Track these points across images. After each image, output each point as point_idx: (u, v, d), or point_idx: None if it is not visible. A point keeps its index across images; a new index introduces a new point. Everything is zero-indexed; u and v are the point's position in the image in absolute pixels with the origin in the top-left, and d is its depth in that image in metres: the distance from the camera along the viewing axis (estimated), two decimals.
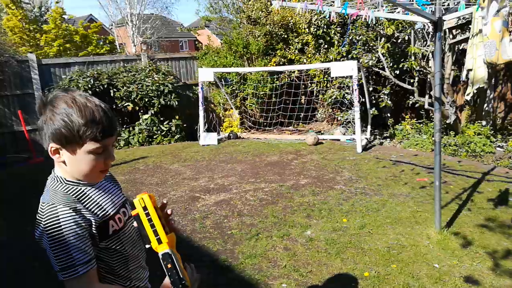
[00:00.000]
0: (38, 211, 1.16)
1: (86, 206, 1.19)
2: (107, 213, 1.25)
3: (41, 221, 1.13)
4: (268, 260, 3.37)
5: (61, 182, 1.21)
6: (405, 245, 3.50)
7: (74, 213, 1.13)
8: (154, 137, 8.75)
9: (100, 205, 1.24)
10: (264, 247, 3.59)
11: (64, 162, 1.20)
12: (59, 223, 1.10)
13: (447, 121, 7.32)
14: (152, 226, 1.15)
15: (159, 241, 1.15)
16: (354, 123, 7.70)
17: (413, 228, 3.85)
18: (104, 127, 1.15)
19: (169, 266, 1.13)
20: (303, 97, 9.74)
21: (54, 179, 1.22)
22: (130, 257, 1.31)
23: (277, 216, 4.30)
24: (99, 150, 1.17)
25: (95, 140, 1.15)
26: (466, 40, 6.70)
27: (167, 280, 1.16)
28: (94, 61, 9.07)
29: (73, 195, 1.19)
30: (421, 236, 3.67)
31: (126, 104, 8.52)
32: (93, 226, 1.18)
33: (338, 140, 8.19)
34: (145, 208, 1.16)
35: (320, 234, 3.81)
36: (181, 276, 1.13)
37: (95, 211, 1.20)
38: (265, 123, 9.78)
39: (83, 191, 1.22)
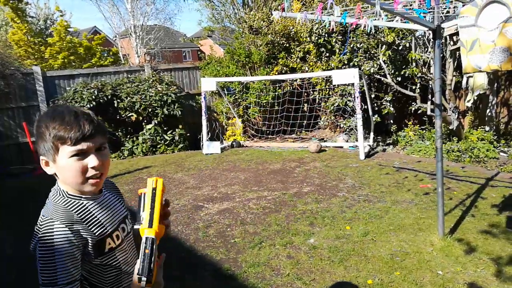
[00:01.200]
0: (37, 223, 1.16)
1: (86, 223, 1.18)
2: (106, 231, 1.23)
3: (38, 233, 1.13)
4: (271, 269, 3.37)
5: (63, 196, 1.21)
6: (409, 252, 3.50)
7: (69, 232, 1.12)
8: (158, 146, 8.80)
9: (100, 221, 1.23)
10: (267, 256, 3.60)
11: (56, 174, 1.22)
12: (52, 239, 1.10)
13: (450, 127, 7.32)
14: (152, 208, 1.16)
15: (150, 225, 1.14)
16: (356, 130, 7.72)
17: (417, 235, 3.84)
18: (74, 130, 1.15)
19: (146, 251, 1.11)
20: (305, 105, 9.78)
21: (56, 191, 1.22)
22: (124, 274, 1.30)
23: (280, 224, 4.31)
24: (73, 154, 1.16)
25: (67, 143, 1.15)
26: None
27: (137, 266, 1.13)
28: (98, 73, 9.18)
29: (74, 210, 1.19)
30: (425, 243, 3.66)
31: (130, 114, 8.59)
32: (89, 244, 1.17)
33: (341, 147, 8.20)
34: (154, 190, 1.17)
35: (323, 242, 3.81)
36: (151, 268, 1.10)
37: (93, 229, 1.20)
38: (268, 131, 9.82)
39: (85, 205, 1.22)
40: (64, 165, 1.17)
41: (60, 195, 1.21)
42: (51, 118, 1.17)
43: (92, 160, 1.18)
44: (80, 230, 1.16)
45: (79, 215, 1.18)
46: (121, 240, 1.30)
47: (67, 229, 1.12)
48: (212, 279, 3.28)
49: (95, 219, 1.22)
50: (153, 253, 1.11)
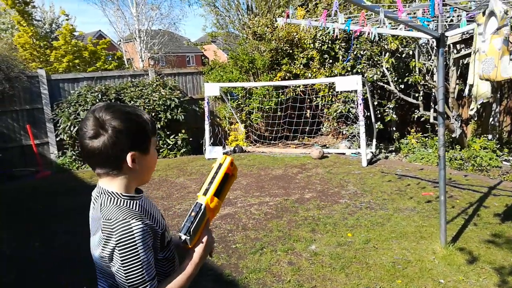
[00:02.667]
0: (104, 229, 1.13)
1: (149, 219, 1.21)
2: (162, 225, 1.27)
3: (111, 237, 1.10)
4: (273, 275, 3.36)
5: (119, 197, 1.20)
6: (410, 260, 3.48)
7: (145, 227, 1.13)
8: (160, 150, 8.82)
9: (156, 217, 1.26)
10: (269, 262, 3.59)
11: (135, 169, 1.21)
12: (134, 237, 1.09)
13: (453, 135, 7.31)
14: (212, 179, 1.21)
15: (205, 193, 1.20)
16: (359, 137, 7.72)
17: (419, 243, 3.82)
18: (153, 122, 1.25)
19: (192, 214, 1.16)
20: (308, 111, 9.79)
21: (109, 194, 1.20)
22: (177, 266, 1.33)
23: (281, 230, 4.30)
24: (156, 144, 1.27)
25: (155, 134, 1.27)
26: (470, 55, 6.74)
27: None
28: (102, 76, 9.22)
29: (136, 209, 1.20)
30: (427, 251, 3.64)
31: None
32: (158, 237, 1.20)
33: (343, 154, 8.19)
34: (220, 165, 1.22)
35: (325, 248, 3.80)
36: (192, 230, 1.14)
37: (155, 224, 1.22)
38: (270, 137, 9.82)
39: (140, 204, 1.23)
40: (152, 155, 1.27)
41: (115, 197, 1.20)
42: (135, 113, 1.21)
43: (155, 152, 1.31)
44: (151, 224, 1.18)
45: (142, 213, 1.20)
46: (170, 235, 1.34)
47: (143, 225, 1.13)
48: (213, 285, 3.28)
49: (152, 215, 1.25)
50: (197, 217, 1.16)
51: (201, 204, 1.17)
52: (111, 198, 1.19)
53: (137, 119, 1.20)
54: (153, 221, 1.21)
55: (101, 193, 1.22)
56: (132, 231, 1.10)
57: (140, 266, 1.09)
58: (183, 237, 1.14)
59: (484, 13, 3.03)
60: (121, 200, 1.19)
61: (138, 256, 1.09)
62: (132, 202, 1.21)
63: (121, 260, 1.08)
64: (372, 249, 3.75)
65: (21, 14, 12.69)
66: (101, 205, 1.19)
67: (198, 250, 1.19)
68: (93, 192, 1.26)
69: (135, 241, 1.09)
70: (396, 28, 4.20)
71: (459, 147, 7.26)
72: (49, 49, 13.20)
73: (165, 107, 8.77)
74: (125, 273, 1.09)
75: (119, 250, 1.08)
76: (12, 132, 8.19)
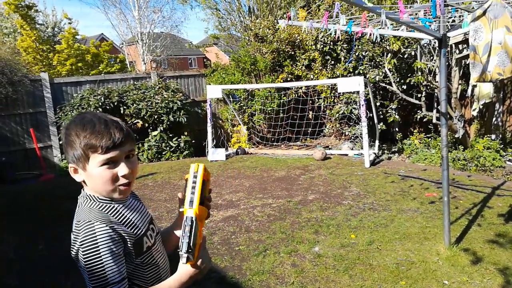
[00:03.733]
0: (73, 230, 1.16)
1: (123, 224, 1.20)
2: (140, 230, 1.26)
3: (77, 238, 1.13)
4: (276, 277, 3.36)
5: (95, 200, 1.22)
6: (414, 261, 3.47)
7: (110, 230, 1.14)
8: (163, 153, 8.84)
9: (134, 222, 1.25)
10: (272, 264, 3.59)
11: (84, 182, 1.23)
12: (96, 240, 1.11)
13: (456, 135, 7.29)
14: (193, 192, 1.20)
15: (191, 205, 1.18)
16: (361, 138, 7.71)
17: (422, 244, 3.81)
18: (105, 139, 1.15)
19: (187, 229, 1.14)
20: (310, 112, 9.79)
21: (86, 197, 1.23)
22: (162, 270, 1.33)
23: (285, 232, 4.30)
24: (104, 162, 1.17)
25: (98, 152, 1.16)
26: None
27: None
28: (105, 80, 9.26)
29: (108, 212, 1.20)
30: (431, 252, 3.63)
31: (136, 121, 8.65)
32: (129, 243, 1.19)
33: (346, 155, 8.18)
34: (195, 175, 1.21)
35: (328, 250, 3.80)
36: (191, 245, 1.13)
37: (130, 229, 1.22)
38: (272, 139, 9.83)
39: (116, 208, 1.23)
40: (95, 173, 1.18)
41: (91, 200, 1.22)
42: (82, 126, 1.17)
43: (122, 169, 1.20)
44: (118, 229, 1.17)
45: (114, 217, 1.20)
46: (154, 240, 1.33)
47: (108, 228, 1.14)
48: (216, 287, 3.28)
49: (129, 220, 1.24)
50: (192, 231, 1.15)
51: (192, 217, 1.16)
52: (87, 201, 1.23)
53: (71, 136, 1.18)
54: (127, 227, 1.21)
55: (82, 195, 1.26)
56: (95, 233, 1.11)
57: (102, 268, 1.10)
58: (185, 255, 1.13)
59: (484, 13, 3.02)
60: (95, 203, 1.22)
61: (100, 258, 1.10)
62: (107, 205, 1.22)
63: (84, 261, 1.10)
64: (375, 250, 3.74)
65: (24, 18, 12.77)
66: (78, 206, 1.23)
67: (189, 271, 1.19)
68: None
69: (97, 243, 1.10)
70: (398, 29, 4.20)
71: (462, 147, 7.23)
72: (52, 53, 13.28)
73: (168, 109, 8.79)
74: (88, 274, 1.10)
75: (82, 251, 1.11)
76: (16, 135, 8.24)
